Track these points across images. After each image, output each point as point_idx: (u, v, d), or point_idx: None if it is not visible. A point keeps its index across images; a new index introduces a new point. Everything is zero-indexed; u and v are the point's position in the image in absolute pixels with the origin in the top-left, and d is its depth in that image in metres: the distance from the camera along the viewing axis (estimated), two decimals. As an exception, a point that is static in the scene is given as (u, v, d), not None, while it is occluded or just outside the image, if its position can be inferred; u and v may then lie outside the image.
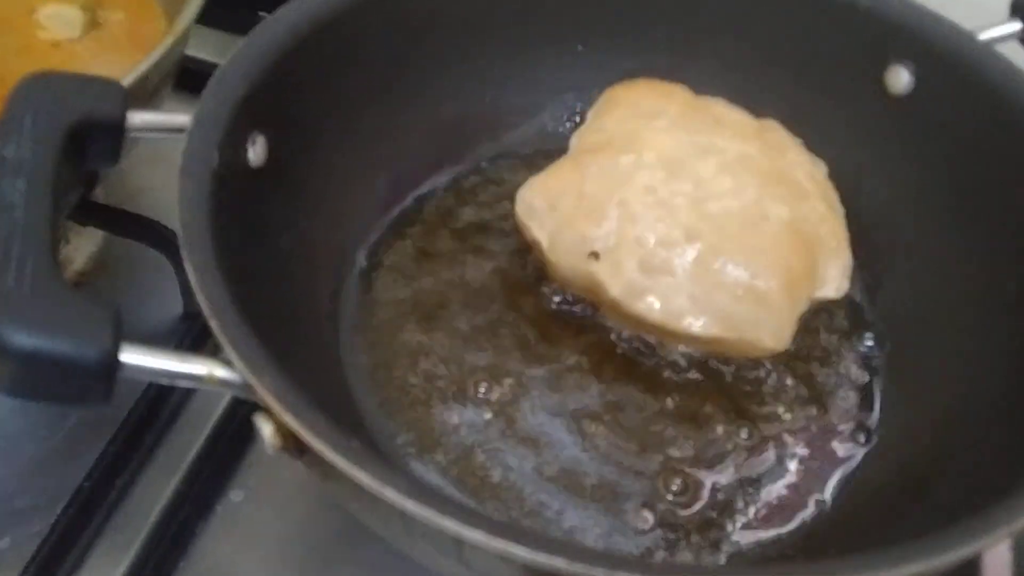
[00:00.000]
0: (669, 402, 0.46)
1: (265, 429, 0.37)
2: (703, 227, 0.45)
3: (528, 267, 0.51)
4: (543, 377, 0.47)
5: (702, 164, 0.47)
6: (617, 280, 0.45)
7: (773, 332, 0.45)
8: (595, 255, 0.46)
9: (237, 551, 0.48)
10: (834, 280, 0.47)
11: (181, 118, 0.43)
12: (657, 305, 0.45)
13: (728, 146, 0.48)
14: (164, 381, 0.37)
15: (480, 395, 0.47)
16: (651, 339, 0.47)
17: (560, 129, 0.57)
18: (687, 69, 0.54)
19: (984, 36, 0.50)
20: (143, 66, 0.47)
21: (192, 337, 0.54)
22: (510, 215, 0.52)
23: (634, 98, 0.50)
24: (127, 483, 0.50)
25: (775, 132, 0.51)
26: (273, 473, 0.50)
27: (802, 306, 0.47)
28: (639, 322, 0.46)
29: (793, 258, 0.46)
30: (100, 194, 0.57)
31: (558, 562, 0.31)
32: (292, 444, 0.37)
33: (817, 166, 0.51)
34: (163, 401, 0.52)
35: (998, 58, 0.49)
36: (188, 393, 0.53)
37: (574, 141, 0.51)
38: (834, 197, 0.50)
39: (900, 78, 0.51)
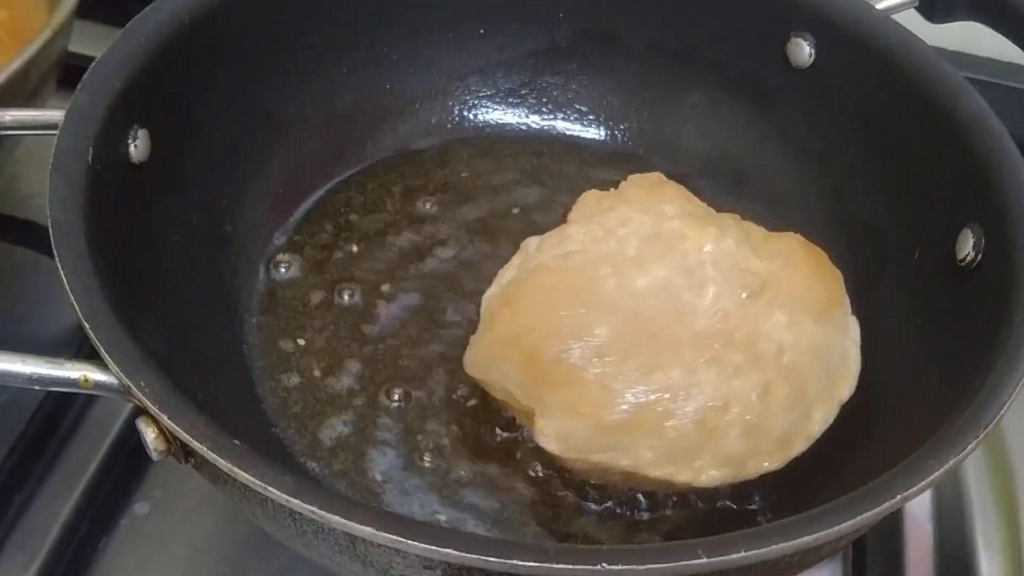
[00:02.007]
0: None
1: (148, 433, 0.36)
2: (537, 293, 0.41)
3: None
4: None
5: (673, 275, 0.41)
6: (501, 276, 0.45)
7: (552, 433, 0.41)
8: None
9: (143, 565, 0.47)
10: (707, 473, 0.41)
11: (55, 114, 0.41)
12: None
13: (710, 293, 0.41)
14: (37, 387, 0.36)
15: (386, 402, 0.46)
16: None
17: (467, 114, 0.56)
18: (590, 51, 0.54)
19: (881, 6, 0.50)
20: (17, 62, 0.45)
21: (90, 346, 0.51)
22: (419, 207, 0.50)
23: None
24: (25, 500, 0.48)
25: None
26: (178, 484, 0.48)
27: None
28: None
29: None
30: (-13, 200, 0.55)
31: (449, 552, 0.30)
32: (178, 447, 0.36)
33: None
34: (61, 412, 0.50)
35: (896, 27, 0.49)
36: (88, 403, 0.51)
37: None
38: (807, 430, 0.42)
39: (801, 51, 0.50)
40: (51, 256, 0.53)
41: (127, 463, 0.49)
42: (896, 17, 0.49)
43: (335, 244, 0.51)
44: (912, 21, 0.50)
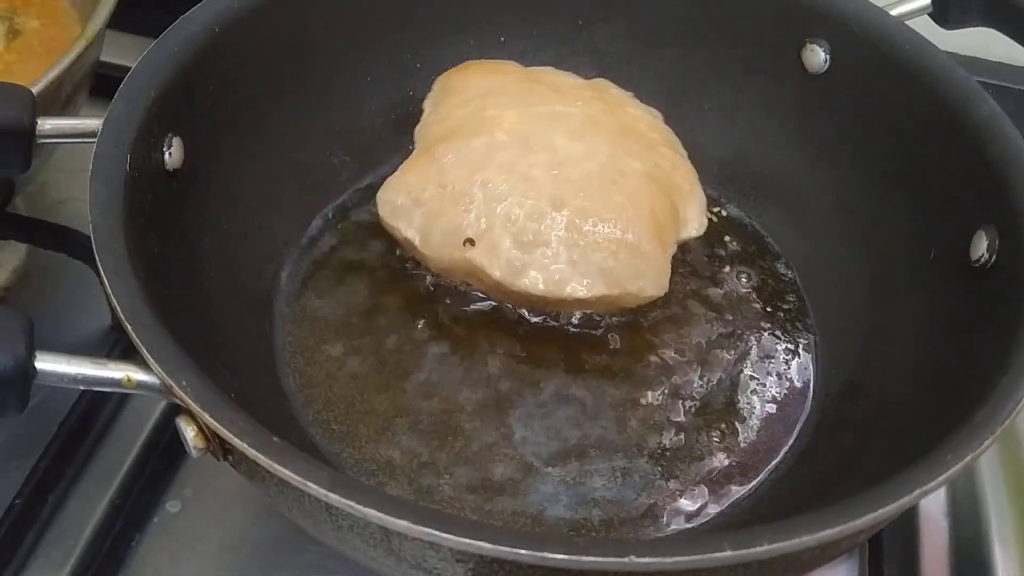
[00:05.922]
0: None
1: (188, 431, 0.37)
2: (566, 194, 0.46)
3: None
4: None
5: (552, 133, 0.47)
6: (496, 262, 0.46)
7: (652, 280, 0.47)
8: (470, 241, 0.46)
9: (175, 562, 0.48)
10: (695, 220, 0.49)
11: (93, 122, 0.42)
12: (540, 278, 0.46)
13: (572, 111, 0.48)
14: (81, 387, 0.37)
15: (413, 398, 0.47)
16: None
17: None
18: (607, 58, 0.55)
19: (896, 12, 0.51)
20: (54, 71, 0.46)
21: (122, 347, 0.53)
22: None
23: (468, 81, 0.50)
24: (60, 498, 0.49)
25: (609, 90, 0.52)
26: (209, 482, 0.49)
27: (671, 250, 0.48)
28: (526, 297, 0.47)
29: (656, 207, 0.47)
30: (21, 206, 0.56)
31: (482, 544, 0.31)
32: (216, 444, 0.37)
33: (654, 115, 0.51)
34: (94, 413, 0.51)
35: (910, 33, 0.50)
36: (120, 403, 0.52)
37: (419, 134, 0.50)
38: (676, 142, 0.51)
39: (816, 56, 0.51)
40: (81, 259, 0.55)
41: (159, 462, 0.50)
42: (910, 23, 0.50)
43: (362, 247, 0.52)
44: (926, 27, 0.50)
